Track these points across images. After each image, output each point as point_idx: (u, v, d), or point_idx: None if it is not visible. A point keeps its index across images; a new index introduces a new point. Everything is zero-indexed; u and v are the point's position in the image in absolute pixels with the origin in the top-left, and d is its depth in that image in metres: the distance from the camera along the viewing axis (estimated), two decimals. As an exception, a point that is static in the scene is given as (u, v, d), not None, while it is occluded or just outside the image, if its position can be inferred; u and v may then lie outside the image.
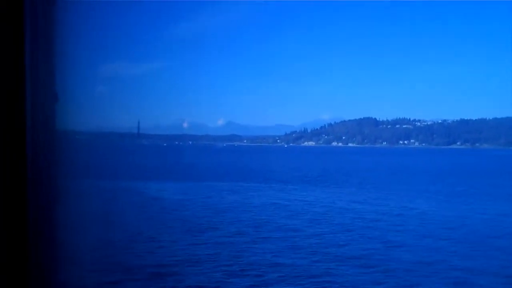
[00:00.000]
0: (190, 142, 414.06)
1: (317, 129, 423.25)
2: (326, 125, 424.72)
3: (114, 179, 58.34)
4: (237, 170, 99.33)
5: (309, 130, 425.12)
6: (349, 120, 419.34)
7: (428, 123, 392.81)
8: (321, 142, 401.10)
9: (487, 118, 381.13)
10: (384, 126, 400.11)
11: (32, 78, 2.57)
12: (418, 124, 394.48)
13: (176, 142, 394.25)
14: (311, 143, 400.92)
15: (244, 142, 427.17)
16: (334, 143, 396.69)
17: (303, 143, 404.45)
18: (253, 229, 39.93)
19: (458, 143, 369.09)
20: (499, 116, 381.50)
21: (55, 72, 2.83)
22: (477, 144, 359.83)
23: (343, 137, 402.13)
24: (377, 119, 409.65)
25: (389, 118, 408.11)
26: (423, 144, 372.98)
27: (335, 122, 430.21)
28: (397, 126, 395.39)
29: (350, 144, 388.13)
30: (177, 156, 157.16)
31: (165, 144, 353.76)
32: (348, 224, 42.72)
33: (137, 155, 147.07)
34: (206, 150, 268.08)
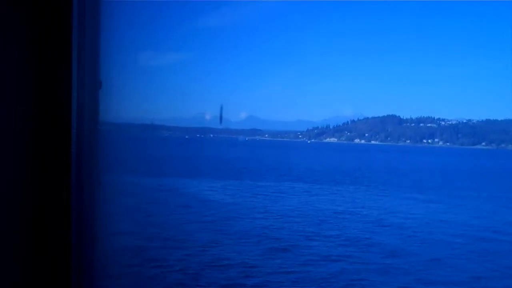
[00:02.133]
0: (212, 135, 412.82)
1: (339, 125, 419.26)
2: (349, 122, 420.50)
3: (151, 175, 56.05)
4: (275, 167, 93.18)
5: (331, 127, 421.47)
6: (372, 118, 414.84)
7: (453, 123, 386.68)
8: (343, 139, 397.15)
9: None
10: (408, 124, 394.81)
11: (79, 66, 2.66)
12: (443, 123, 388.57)
13: (198, 135, 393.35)
14: (333, 140, 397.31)
15: (266, 137, 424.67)
16: (357, 140, 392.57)
17: (325, 139, 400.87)
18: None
19: (483, 144, 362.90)
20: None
21: (100, 61, 2.89)
22: (502, 145, 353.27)
23: (366, 134, 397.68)
24: (401, 117, 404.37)
25: (413, 117, 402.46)
26: (448, 144, 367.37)
27: (358, 119, 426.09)
28: (421, 124, 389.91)
29: (373, 142, 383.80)
30: (207, 150, 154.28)
31: (186, 137, 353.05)
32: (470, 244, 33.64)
33: (164, 148, 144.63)
34: (231, 144, 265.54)
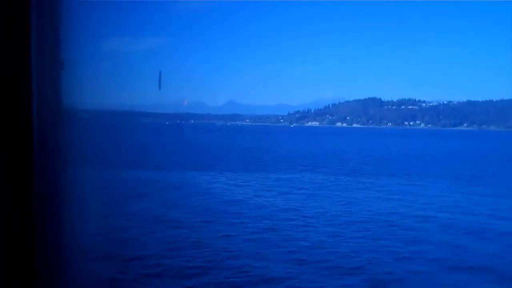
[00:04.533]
0: (192, 121, 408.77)
1: (320, 109, 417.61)
2: (330, 105, 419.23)
3: (140, 167, 50.93)
4: (279, 154, 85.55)
5: (312, 110, 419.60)
6: (354, 100, 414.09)
7: (434, 104, 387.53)
8: (325, 123, 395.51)
9: (494, 100, 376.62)
10: (389, 106, 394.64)
11: (38, 47, 2.52)
12: (424, 105, 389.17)
13: (178, 121, 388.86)
14: (315, 123, 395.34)
15: (247, 122, 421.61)
16: (339, 124, 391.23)
17: (307, 123, 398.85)
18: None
19: (465, 125, 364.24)
20: (506, 98, 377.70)
21: (61, 41, 2.74)
22: (484, 126, 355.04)
23: (347, 118, 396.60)
24: (382, 99, 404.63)
25: (394, 99, 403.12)
26: (429, 126, 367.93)
27: (339, 102, 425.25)
28: (402, 107, 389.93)
29: (354, 125, 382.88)
30: (197, 137, 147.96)
31: (167, 123, 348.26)
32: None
33: (149, 135, 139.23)
34: (215, 129, 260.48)
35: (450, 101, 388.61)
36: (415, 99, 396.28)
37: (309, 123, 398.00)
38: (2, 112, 2.35)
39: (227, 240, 24.71)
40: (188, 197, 37.12)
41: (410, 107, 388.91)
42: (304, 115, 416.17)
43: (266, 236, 25.86)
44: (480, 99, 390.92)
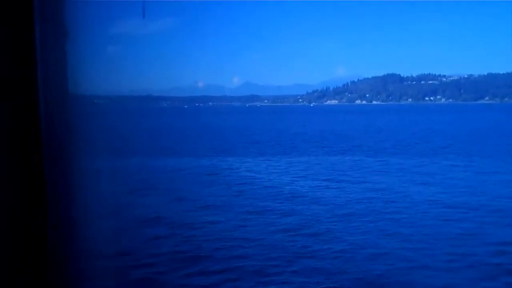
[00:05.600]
0: (211, 104, 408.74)
1: (339, 87, 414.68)
2: (349, 83, 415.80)
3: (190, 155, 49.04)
4: (317, 135, 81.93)
5: (331, 89, 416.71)
6: (373, 77, 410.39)
7: (455, 78, 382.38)
8: (344, 101, 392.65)
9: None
10: (409, 82, 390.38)
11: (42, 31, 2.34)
12: (444, 79, 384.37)
13: (196, 104, 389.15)
14: (334, 102, 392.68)
15: (265, 102, 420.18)
16: (358, 101, 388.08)
17: (326, 102, 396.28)
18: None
19: (487, 98, 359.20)
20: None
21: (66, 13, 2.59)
22: (506, 99, 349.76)
23: (367, 95, 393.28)
24: (402, 75, 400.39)
25: (414, 74, 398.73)
26: (450, 100, 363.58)
27: (358, 79, 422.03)
28: (422, 82, 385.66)
29: (374, 102, 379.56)
30: (225, 120, 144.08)
31: (186, 106, 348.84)
32: None
33: (178, 119, 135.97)
34: (238, 111, 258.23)
35: (471, 75, 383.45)
36: (435, 74, 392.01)
37: (328, 102, 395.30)
38: (7, 101, 2.26)
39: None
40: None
41: (430, 82, 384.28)
42: (323, 93, 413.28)
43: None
44: (501, 72, 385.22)
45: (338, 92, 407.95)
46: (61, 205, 2.46)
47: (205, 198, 28.74)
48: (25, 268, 2.30)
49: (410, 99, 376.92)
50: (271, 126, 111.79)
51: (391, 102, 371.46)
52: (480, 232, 20.84)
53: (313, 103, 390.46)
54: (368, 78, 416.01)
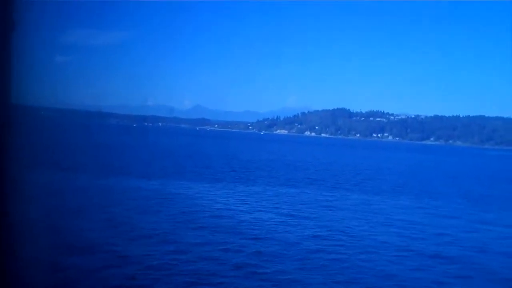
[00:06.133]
0: (160, 124, 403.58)
1: (289, 117, 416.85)
2: (299, 114, 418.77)
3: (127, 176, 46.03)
4: (276, 165, 78.20)
5: (281, 118, 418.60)
6: (322, 110, 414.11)
7: (402, 117, 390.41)
8: (293, 131, 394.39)
9: (461, 115, 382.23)
10: (358, 118, 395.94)
11: None
12: (392, 117, 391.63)
13: (145, 123, 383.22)
14: (284, 132, 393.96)
15: (216, 127, 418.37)
16: (307, 133, 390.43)
17: (276, 131, 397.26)
18: None
19: (432, 139, 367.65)
20: (472, 114, 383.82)
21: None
22: (450, 141, 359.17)
23: (316, 127, 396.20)
24: (351, 110, 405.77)
25: (363, 110, 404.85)
26: (397, 138, 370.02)
27: (308, 111, 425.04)
28: (370, 118, 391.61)
29: (323, 135, 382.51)
30: (178, 143, 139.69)
31: (134, 125, 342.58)
32: None
33: (127, 137, 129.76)
34: (188, 134, 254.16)
35: (418, 115, 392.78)
36: (383, 112, 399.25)
37: (278, 131, 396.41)
38: None
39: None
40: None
41: (378, 119, 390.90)
42: (273, 122, 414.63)
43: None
44: (447, 114, 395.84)
45: (288, 122, 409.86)
46: None
47: (147, 225, 26.88)
48: None
49: (358, 135, 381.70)
50: (226, 151, 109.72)
51: (339, 136, 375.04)
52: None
53: (263, 131, 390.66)
54: (318, 110, 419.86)
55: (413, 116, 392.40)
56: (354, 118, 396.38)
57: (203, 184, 46.60)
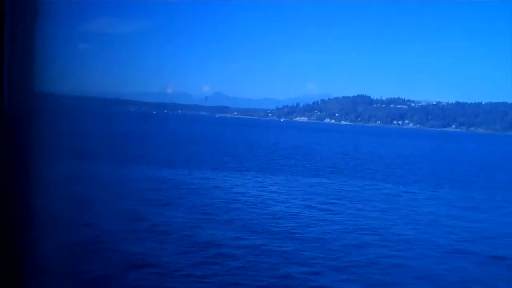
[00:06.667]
0: (179, 111, 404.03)
1: (309, 104, 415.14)
2: (319, 101, 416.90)
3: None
4: (308, 152, 76.85)
5: (301, 105, 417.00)
6: (343, 97, 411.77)
7: (423, 104, 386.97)
8: (313, 118, 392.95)
9: (483, 102, 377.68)
10: (378, 105, 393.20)
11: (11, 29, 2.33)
12: (413, 104, 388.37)
13: (165, 111, 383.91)
14: (303, 119, 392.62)
15: (235, 114, 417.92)
16: (327, 120, 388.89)
17: (295, 118, 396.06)
18: None
19: (453, 126, 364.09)
20: (494, 101, 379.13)
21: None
22: (472, 128, 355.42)
23: (336, 114, 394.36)
24: (371, 97, 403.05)
25: (384, 97, 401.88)
26: (418, 126, 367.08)
27: (328, 98, 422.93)
28: (391, 105, 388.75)
29: (343, 122, 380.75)
30: (204, 131, 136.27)
31: (154, 112, 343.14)
32: None
33: (149, 125, 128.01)
34: (209, 121, 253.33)
35: (439, 102, 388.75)
36: (404, 99, 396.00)
37: (297, 118, 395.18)
38: None
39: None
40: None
41: (399, 106, 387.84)
42: (293, 109, 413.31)
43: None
44: (469, 101, 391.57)
45: (308, 109, 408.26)
46: (15, 204, 2.42)
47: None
48: None
49: (379, 122, 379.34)
50: (249, 139, 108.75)
51: (359, 123, 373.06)
52: None
53: (283, 119, 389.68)
54: (338, 97, 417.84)
55: (434, 103, 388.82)
56: (375, 105, 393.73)
57: (232, 173, 45.58)
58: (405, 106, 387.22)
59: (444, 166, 69.75)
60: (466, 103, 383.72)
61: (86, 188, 26.57)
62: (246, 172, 47.43)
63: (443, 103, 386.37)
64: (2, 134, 2.28)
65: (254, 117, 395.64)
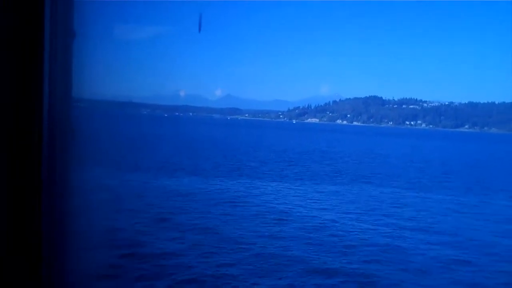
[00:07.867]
0: (191, 114, 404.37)
1: (320, 105, 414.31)
2: (331, 102, 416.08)
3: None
4: (333, 156, 78.62)
5: (312, 107, 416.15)
6: (354, 98, 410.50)
7: (435, 105, 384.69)
8: (325, 120, 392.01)
9: (496, 102, 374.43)
10: (390, 105, 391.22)
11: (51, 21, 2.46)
12: (425, 105, 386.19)
13: (177, 113, 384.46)
14: (315, 120, 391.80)
15: (246, 116, 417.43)
16: (339, 121, 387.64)
17: (307, 119, 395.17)
18: None
19: (466, 126, 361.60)
20: (508, 101, 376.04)
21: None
22: (485, 128, 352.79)
23: (348, 115, 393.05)
24: (383, 98, 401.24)
25: (396, 98, 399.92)
26: (430, 126, 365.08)
27: (339, 99, 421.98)
28: (403, 106, 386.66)
29: (355, 123, 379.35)
30: (223, 134, 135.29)
31: (166, 115, 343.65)
32: None
33: (166, 128, 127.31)
34: (222, 123, 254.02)
35: (451, 102, 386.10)
36: (416, 99, 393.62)
37: (309, 120, 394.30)
38: (13, 100, 2.32)
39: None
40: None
41: (411, 106, 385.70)
42: (304, 111, 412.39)
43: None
44: (482, 101, 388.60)
45: (319, 110, 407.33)
46: (55, 205, 2.48)
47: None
48: (18, 263, 2.35)
49: (391, 122, 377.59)
50: (271, 142, 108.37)
51: (371, 124, 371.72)
52: None
53: (295, 120, 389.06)
54: (350, 98, 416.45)
55: (446, 103, 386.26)
56: (387, 105, 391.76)
57: (272, 183, 44.29)
58: (417, 107, 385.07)
59: (484, 170, 67.16)
60: (479, 103, 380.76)
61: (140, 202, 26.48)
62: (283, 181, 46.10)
63: (456, 103, 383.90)
64: (42, 145, 2.34)
65: (265, 119, 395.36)
